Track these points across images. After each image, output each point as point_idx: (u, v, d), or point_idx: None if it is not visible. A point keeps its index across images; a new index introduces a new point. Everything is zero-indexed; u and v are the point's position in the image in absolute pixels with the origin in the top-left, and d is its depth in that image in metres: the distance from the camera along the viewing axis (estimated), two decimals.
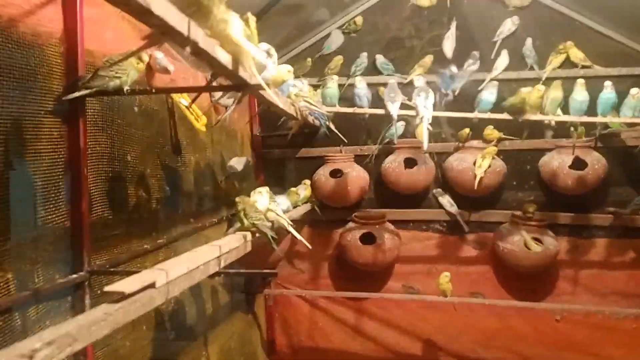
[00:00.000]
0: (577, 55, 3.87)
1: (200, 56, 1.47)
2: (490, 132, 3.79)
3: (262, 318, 4.19)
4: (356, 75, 4.11)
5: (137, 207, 2.14)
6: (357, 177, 3.90)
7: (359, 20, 4.14)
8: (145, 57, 1.73)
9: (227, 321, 3.37)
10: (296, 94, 2.73)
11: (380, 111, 3.44)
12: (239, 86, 1.71)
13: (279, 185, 4.25)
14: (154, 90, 1.92)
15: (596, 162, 3.63)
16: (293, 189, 3.29)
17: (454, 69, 3.32)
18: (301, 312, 4.25)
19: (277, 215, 2.40)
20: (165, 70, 2.37)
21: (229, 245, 1.81)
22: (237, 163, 3.28)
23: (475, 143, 3.85)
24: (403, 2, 4.14)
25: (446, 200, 3.96)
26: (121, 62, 1.67)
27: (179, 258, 1.50)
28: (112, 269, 1.83)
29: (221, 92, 2.71)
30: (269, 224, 2.15)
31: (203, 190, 2.95)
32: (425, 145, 3.03)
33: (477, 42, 4.07)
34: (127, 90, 1.69)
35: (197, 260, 1.52)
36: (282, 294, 4.19)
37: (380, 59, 4.11)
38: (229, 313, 3.46)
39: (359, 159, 4.15)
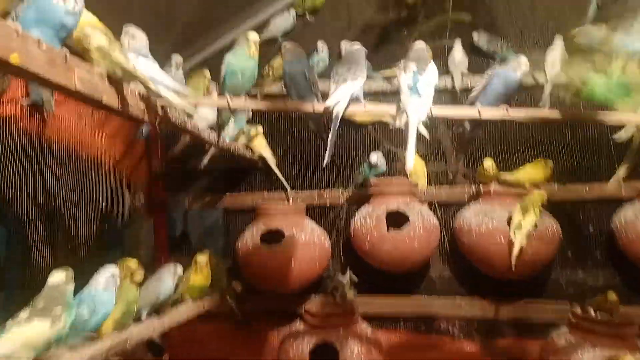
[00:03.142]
0: None
1: None
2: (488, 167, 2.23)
3: None
4: None
5: None
6: (309, 244, 2.26)
7: None
8: None
9: None
10: (98, 47, 1.14)
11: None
12: None
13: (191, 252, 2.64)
14: None
15: None
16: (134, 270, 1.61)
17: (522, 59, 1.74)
18: None
19: None
20: None
21: None
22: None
23: (505, 186, 2.26)
24: None
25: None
26: None
27: None
28: None
29: None
30: None
31: None
32: (409, 163, 1.42)
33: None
34: None
35: None
36: None
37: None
38: None
39: (317, 213, 2.56)
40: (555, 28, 2.44)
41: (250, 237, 2.29)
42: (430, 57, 1.64)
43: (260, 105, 1.67)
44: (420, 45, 1.64)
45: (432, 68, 1.53)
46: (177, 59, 1.97)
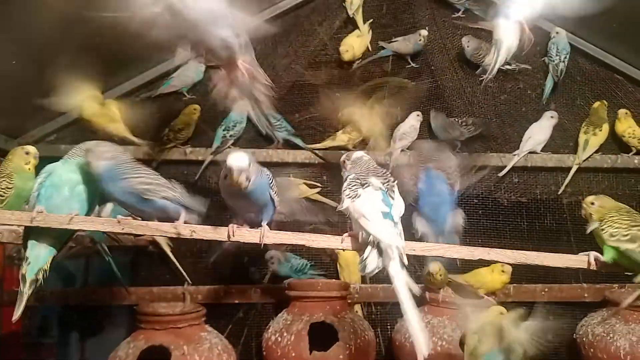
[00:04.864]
0: (632, 131, 2.05)
1: None
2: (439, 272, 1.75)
3: None
4: (225, 147, 2.07)
5: None
6: None
7: None
8: None
9: None
10: None
11: None
12: None
13: None
14: None
15: None
16: None
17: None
18: None
19: None
20: None
21: None
22: None
23: (455, 294, 1.80)
24: (314, 28, 2.24)
25: None
26: None
27: None
28: None
29: None
30: None
31: None
32: (422, 350, 0.94)
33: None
34: None
35: None
36: None
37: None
38: None
39: (222, 314, 1.97)
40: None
41: (124, 357, 1.65)
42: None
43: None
44: (367, 158, 1.19)
45: (397, 189, 1.08)
46: None
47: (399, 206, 1.05)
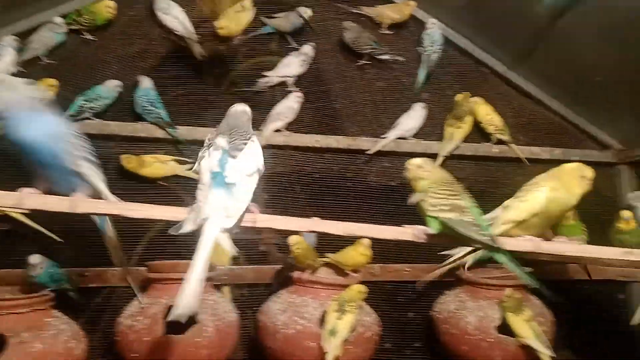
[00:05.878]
0: (489, 117, 2.18)
1: None
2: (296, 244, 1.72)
3: None
4: (80, 118, 1.89)
5: None
6: (48, 356, 1.51)
7: (107, 5, 1.97)
8: None
9: None
10: None
11: None
12: None
13: None
14: None
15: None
16: None
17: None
18: None
19: None
20: None
21: None
22: None
23: (324, 274, 1.81)
24: None
25: None
26: None
27: None
28: None
29: None
30: None
31: None
32: (178, 312, 0.93)
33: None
34: None
35: None
36: None
37: (144, 85, 1.95)
38: None
39: (81, 298, 1.82)
40: None
41: None
42: (248, 124, 1.12)
43: None
44: (239, 109, 1.11)
45: (252, 148, 1.01)
46: None
47: (239, 166, 0.97)
